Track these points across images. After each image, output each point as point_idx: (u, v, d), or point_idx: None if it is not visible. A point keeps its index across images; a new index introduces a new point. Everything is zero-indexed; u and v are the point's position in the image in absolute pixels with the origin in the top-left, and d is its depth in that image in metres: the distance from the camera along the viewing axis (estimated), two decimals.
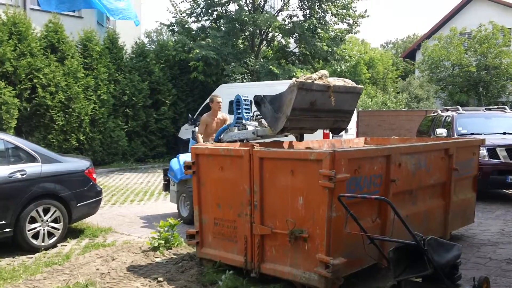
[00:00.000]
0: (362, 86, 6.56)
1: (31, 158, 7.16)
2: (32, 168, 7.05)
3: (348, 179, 4.59)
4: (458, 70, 25.83)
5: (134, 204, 10.75)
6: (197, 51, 18.22)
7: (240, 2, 20.26)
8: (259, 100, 6.17)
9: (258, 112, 7.40)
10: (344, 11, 20.89)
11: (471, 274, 5.26)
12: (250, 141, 7.03)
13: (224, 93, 12.49)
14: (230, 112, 11.68)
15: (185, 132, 18.80)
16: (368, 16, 21.28)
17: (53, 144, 15.00)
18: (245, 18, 19.25)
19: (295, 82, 5.59)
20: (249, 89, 14.44)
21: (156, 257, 6.33)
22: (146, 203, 10.86)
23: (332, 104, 5.95)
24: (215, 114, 8.86)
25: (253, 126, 7.35)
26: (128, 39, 19.40)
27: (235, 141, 7.30)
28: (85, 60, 16.80)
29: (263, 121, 7.02)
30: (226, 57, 19.28)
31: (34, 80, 15.00)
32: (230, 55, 19.52)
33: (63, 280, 5.57)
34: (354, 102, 6.34)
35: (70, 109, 15.44)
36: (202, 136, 8.64)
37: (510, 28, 27.28)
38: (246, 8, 20.58)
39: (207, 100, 18.03)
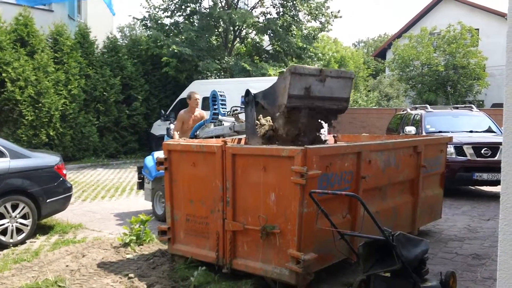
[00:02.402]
0: (352, 71, 6.50)
1: None
2: (0, 164, 6.93)
3: (320, 176, 4.65)
4: (427, 69, 26.27)
5: (105, 201, 10.65)
6: (174, 47, 18.13)
7: None
8: (248, 100, 5.88)
9: (235, 108, 7.38)
10: (317, 10, 21.05)
11: (438, 269, 5.38)
12: (226, 137, 7.00)
13: (198, 90, 12.45)
14: (204, 108, 11.65)
15: (157, 128, 18.68)
16: (341, 16, 21.52)
17: (22, 139, 14.73)
18: (219, 14, 19.23)
19: (287, 69, 5.49)
20: (222, 86, 14.44)
21: (127, 254, 6.29)
22: (117, 200, 10.76)
23: (326, 87, 5.84)
24: (192, 111, 8.79)
25: (230, 121, 7.33)
26: (100, 34, 19.15)
27: (211, 137, 7.28)
28: (55, 54, 16.52)
29: (240, 116, 6.99)
30: (199, 53, 19.23)
31: (3, 74, 14.70)
32: (203, 51, 19.48)
33: (32, 277, 5.49)
34: (348, 88, 6.26)
35: (40, 104, 15.18)
36: (178, 133, 8.58)
37: (478, 29, 27.87)
38: (220, 5, 20.55)
39: (180, 96, 18.06)
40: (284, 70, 5.57)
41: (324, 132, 6.48)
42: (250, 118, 5.82)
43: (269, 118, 5.70)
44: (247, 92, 5.86)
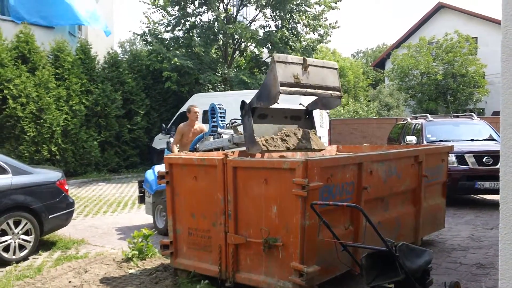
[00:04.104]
0: (335, 62, 6.68)
1: (1, 170, 7.04)
2: (2, 180, 6.94)
3: (321, 187, 4.65)
4: (426, 78, 26.35)
5: (107, 215, 10.64)
6: (176, 60, 18.25)
7: (215, 12, 20.38)
8: (245, 111, 6.02)
9: (234, 120, 7.42)
10: (315, 21, 21.18)
11: (442, 279, 5.36)
12: (225, 150, 7.03)
13: (198, 103, 12.53)
14: (204, 121, 11.69)
15: (158, 141, 18.72)
16: (338, 27, 21.64)
17: (24, 155, 14.76)
18: (220, 27, 19.41)
19: (271, 59, 5.65)
20: (222, 99, 14.48)
21: (129, 269, 6.27)
22: (119, 214, 10.75)
23: (314, 75, 5.95)
24: (191, 124, 8.83)
25: (229, 134, 7.36)
26: (100, 49, 19.27)
27: (211, 150, 7.30)
28: (56, 70, 16.59)
29: (239, 128, 7.03)
30: (200, 66, 19.36)
31: (5, 91, 14.77)
32: (204, 64, 19.61)
33: None
34: (335, 78, 6.35)
35: (42, 120, 15.22)
36: (178, 146, 8.61)
37: (476, 37, 28.00)
38: (220, 19, 20.70)
39: (181, 110, 18.11)
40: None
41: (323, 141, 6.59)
42: (248, 127, 5.91)
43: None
44: (243, 103, 5.96)
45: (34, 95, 15.18)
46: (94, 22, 19.15)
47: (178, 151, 8.46)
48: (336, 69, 6.44)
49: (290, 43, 20.86)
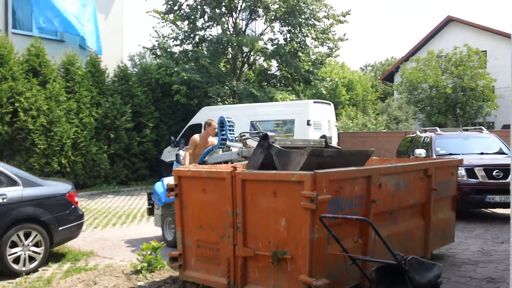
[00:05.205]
0: (373, 149, 6.51)
1: (12, 182, 7.11)
2: (13, 192, 7.00)
3: (330, 200, 4.65)
4: (435, 92, 26.28)
5: (117, 228, 10.67)
6: (183, 74, 18.39)
7: (224, 26, 20.54)
8: (262, 145, 5.82)
9: (243, 133, 7.46)
10: (324, 35, 21.27)
11: None
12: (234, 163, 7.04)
13: (207, 116, 12.60)
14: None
15: (167, 154, 18.77)
16: (347, 39, 21.71)
17: (34, 167, 14.84)
18: (228, 38, 19.55)
19: (307, 149, 5.37)
20: (231, 111, 14.55)
21: (138, 281, 6.28)
22: (128, 226, 10.78)
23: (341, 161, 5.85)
24: (206, 137, 8.87)
25: (238, 147, 7.39)
26: (110, 63, 19.45)
27: (220, 163, 7.32)
28: (67, 83, 16.73)
29: (248, 141, 7.05)
30: (209, 80, 19.47)
31: (16, 104, 14.89)
32: (212, 77, 19.73)
33: None
34: (363, 161, 6.29)
35: (52, 133, 15.34)
36: (189, 157, 8.62)
37: (485, 51, 27.94)
38: (228, 33, 20.87)
39: (190, 123, 18.20)
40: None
41: None
42: (256, 159, 5.86)
43: None
44: (265, 136, 5.82)
45: (45, 108, 15.32)
46: (93, 43, 19.35)
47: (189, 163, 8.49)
48: (370, 155, 6.42)
49: (300, 55, 20.94)
